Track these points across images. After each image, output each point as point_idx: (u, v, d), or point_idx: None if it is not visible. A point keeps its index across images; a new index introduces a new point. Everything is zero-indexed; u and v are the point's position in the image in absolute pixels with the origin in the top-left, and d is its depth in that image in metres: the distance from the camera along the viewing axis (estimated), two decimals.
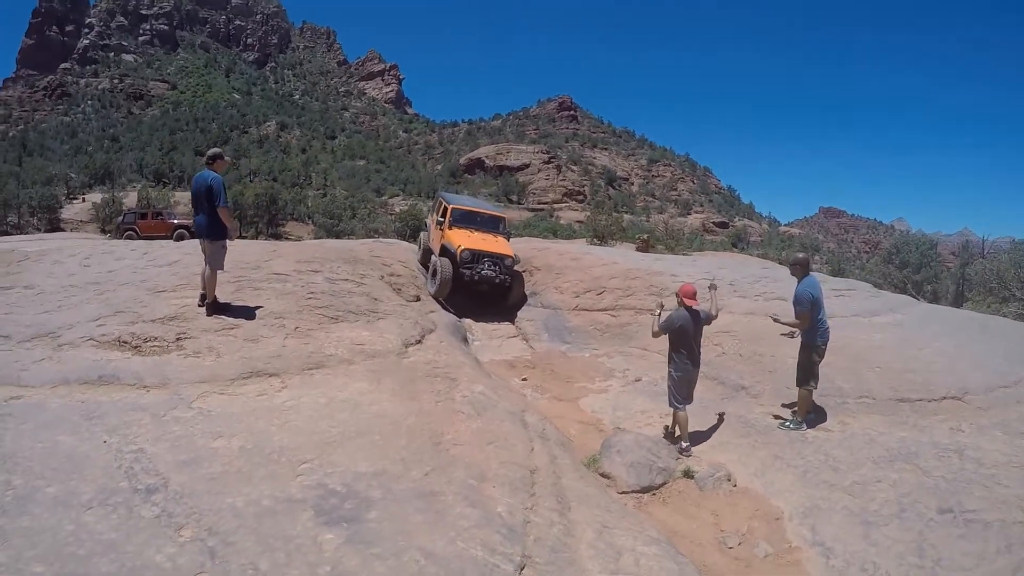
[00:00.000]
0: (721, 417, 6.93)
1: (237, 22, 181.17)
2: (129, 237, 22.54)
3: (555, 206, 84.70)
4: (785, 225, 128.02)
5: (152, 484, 3.50)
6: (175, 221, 24.37)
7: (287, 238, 41.55)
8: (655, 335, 6.41)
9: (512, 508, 3.89)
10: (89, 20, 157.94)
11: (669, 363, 6.41)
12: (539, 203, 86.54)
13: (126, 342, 5.93)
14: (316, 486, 3.69)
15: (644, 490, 5.30)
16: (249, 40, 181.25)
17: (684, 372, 6.28)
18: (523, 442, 5.07)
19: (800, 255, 6.65)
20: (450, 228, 13.03)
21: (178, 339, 6.14)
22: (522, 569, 3.27)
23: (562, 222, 69.54)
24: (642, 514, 4.88)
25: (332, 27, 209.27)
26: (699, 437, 6.56)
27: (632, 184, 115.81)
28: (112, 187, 56.77)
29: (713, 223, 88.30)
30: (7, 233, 34.76)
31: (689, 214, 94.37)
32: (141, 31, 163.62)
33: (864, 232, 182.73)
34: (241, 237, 38.23)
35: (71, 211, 44.74)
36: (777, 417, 6.65)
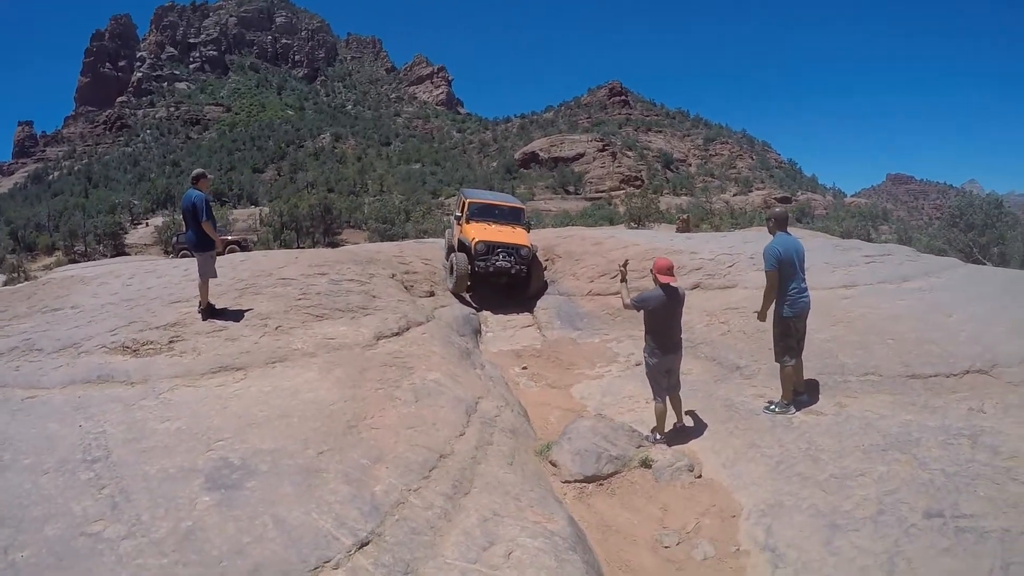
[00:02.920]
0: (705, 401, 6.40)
1: (283, 41, 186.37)
2: (184, 255, 23.79)
3: (613, 194, 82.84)
4: (851, 196, 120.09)
5: (98, 456, 4.24)
6: (227, 238, 25.60)
7: (343, 245, 42.80)
8: (626, 307, 5.76)
9: (391, 488, 3.96)
10: (140, 54, 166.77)
11: (644, 348, 5.80)
12: (597, 192, 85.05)
13: (128, 347, 6.62)
14: (218, 459, 4.18)
15: (589, 479, 4.90)
16: (297, 57, 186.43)
17: (658, 359, 5.64)
18: (453, 427, 4.96)
19: (777, 209, 6.03)
20: (467, 222, 12.95)
21: (170, 342, 6.84)
22: (364, 545, 3.40)
23: (620, 210, 67.82)
24: (581, 505, 4.54)
25: (377, 36, 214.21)
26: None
27: (690, 165, 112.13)
28: (173, 210, 59.95)
29: (775, 199, 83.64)
30: (75, 261, 37.57)
31: (750, 191, 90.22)
32: (191, 59, 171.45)
33: (934, 197, 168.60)
34: (298, 247, 39.77)
35: (135, 236, 48.06)
36: (770, 401, 5.97)
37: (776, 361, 5.71)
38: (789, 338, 5.57)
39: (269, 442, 4.42)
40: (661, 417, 5.76)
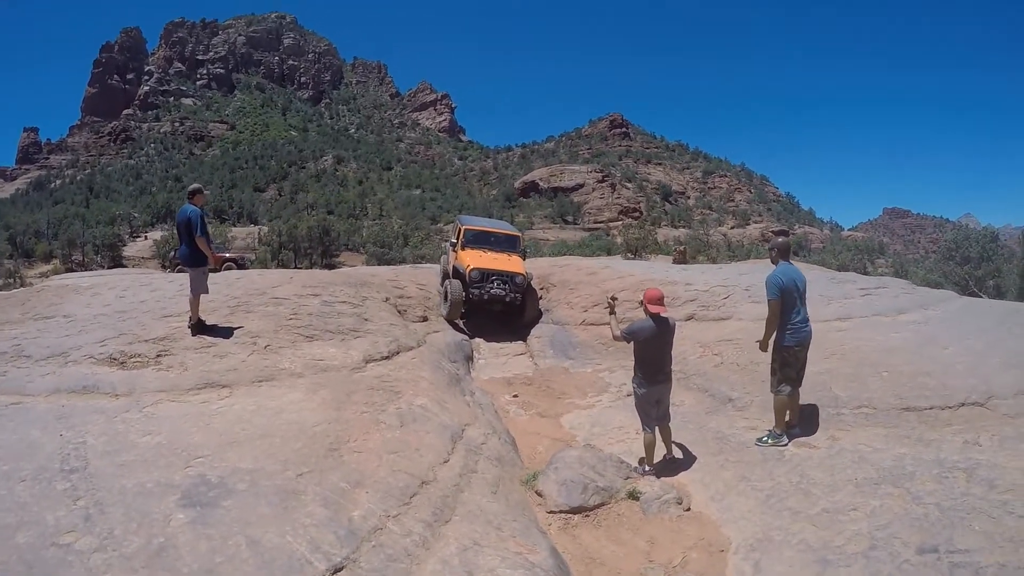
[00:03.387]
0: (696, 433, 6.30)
1: (290, 62, 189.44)
2: (181, 270, 23.71)
3: (611, 224, 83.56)
4: (848, 229, 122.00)
5: (76, 466, 4.21)
6: (224, 255, 25.52)
7: (340, 267, 42.80)
8: (616, 339, 5.73)
9: (369, 513, 3.89)
10: (148, 68, 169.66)
11: (633, 378, 5.77)
12: (595, 222, 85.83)
13: (115, 358, 6.62)
14: (196, 476, 4.14)
15: (575, 510, 4.79)
16: (303, 78, 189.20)
17: (647, 389, 5.61)
18: (437, 454, 4.87)
19: (779, 239, 6.03)
20: (463, 249, 12.95)
21: (158, 356, 6.76)
22: (338, 570, 3.34)
23: (618, 240, 68.15)
24: (566, 536, 4.43)
25: (382, 61, 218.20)
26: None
27: (688, 198, 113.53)
28: (173, 225, 60.07)
29: (772, 232, 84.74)
30: (72, 270, 37.56)
31: (748, 224, 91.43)
32: (198, 76, 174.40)
33: (931, 231, 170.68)
34: (296, 267, 39.78)
35: (133, 248, 48.23)
36: (768, 430, 5.90)
37: (771, 391, 5.65)
38: (789, 368, 5.52)
39: (249, 461, 4.37)
40: (650, 448, 5.68)
